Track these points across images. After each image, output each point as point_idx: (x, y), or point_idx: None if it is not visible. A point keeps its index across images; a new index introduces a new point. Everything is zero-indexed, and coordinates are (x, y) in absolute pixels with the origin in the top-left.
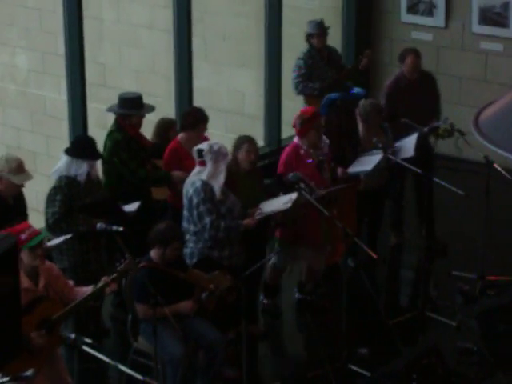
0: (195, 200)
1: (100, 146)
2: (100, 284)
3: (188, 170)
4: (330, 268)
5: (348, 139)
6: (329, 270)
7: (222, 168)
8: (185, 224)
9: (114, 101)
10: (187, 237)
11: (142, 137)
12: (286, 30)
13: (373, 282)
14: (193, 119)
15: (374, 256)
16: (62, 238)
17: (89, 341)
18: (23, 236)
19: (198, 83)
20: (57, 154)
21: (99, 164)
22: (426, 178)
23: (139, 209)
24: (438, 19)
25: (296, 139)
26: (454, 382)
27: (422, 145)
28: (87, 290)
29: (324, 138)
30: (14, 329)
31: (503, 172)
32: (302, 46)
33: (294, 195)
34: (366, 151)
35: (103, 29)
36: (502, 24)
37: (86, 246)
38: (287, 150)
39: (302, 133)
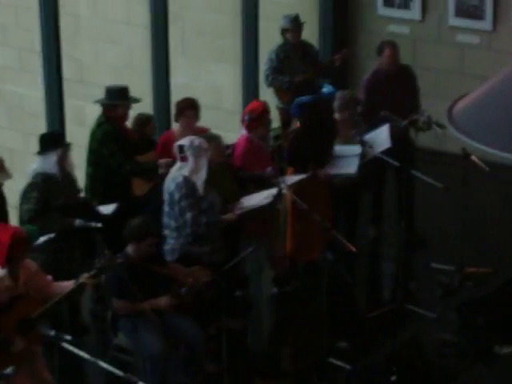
0: (177, 195)
1: (79, 140)
2: (80, 280)
3: None
4: (309, 262)
5: (328, 140)
6: (308, 264)
7: (204, 163)
8: (165, 219)
9: (91, 97)
10: (167, 232)
11: (128, 130)
12: (263, 25)
13: (352, 275)
14: (177, 108)
15: (353, 249)
16: (45, 237)
17: (68, 337)
18: None
19: (175, 79)
20: (35, 151)
21: (76, 156)
22: (404, 171)
23: (116, 210)
24: (415, 12)
25: (245, 133)
26: (434, 374)
27: (402, 138)
28: (66, 284)
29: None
30: None
31: (480, 164)
32: (279, 41)
33: (274, 190)
34: (340, 144)
35: (79, 25)
36: (479, 16)
37: (59, 246)
38: (240, 143)
39: (250, 128)
